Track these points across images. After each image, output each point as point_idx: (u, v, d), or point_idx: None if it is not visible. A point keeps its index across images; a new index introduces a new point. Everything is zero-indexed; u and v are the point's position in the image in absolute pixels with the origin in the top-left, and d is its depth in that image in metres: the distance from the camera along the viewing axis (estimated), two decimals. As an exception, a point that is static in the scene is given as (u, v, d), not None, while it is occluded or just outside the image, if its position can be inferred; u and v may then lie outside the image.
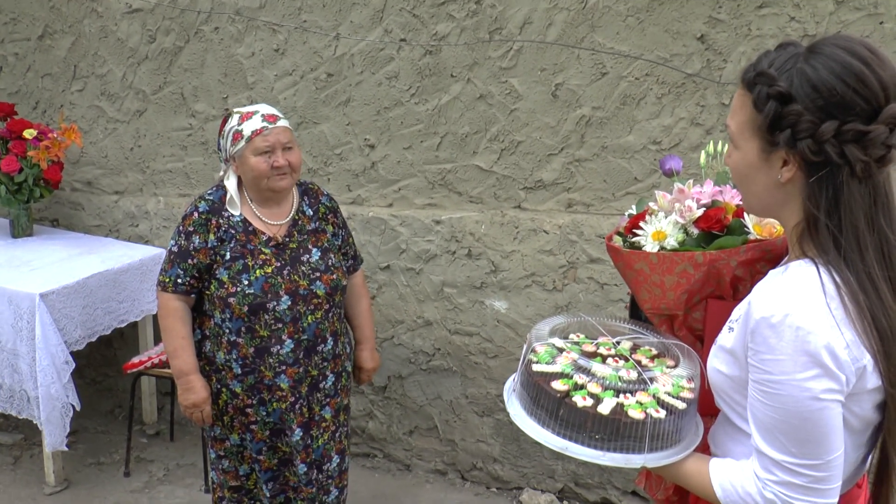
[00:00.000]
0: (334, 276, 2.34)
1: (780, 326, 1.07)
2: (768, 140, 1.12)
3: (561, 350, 1.32)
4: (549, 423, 1.22)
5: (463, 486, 3.26)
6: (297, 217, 2.36)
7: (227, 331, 2.26)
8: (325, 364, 2.35)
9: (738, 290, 1.33)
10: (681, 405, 1.23)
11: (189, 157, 3.54)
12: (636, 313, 1.56)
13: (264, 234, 2.30)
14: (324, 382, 2.36)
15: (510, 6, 2.90)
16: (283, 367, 2.28)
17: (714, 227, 1.36)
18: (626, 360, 1.33)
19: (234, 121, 2.27)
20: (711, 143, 1.56)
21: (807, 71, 1.08)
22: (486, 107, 3.00)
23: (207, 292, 2.28)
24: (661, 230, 1.39)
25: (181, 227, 2.29)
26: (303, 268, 2.30)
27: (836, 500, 1.13)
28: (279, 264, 2.27)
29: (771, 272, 1.18)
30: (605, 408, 1.20)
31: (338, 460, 2.45)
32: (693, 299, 1.35)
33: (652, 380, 1.26)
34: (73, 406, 3.01)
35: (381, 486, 3.26)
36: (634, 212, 1.53)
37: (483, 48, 2.96)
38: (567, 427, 1.20)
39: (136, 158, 3.66)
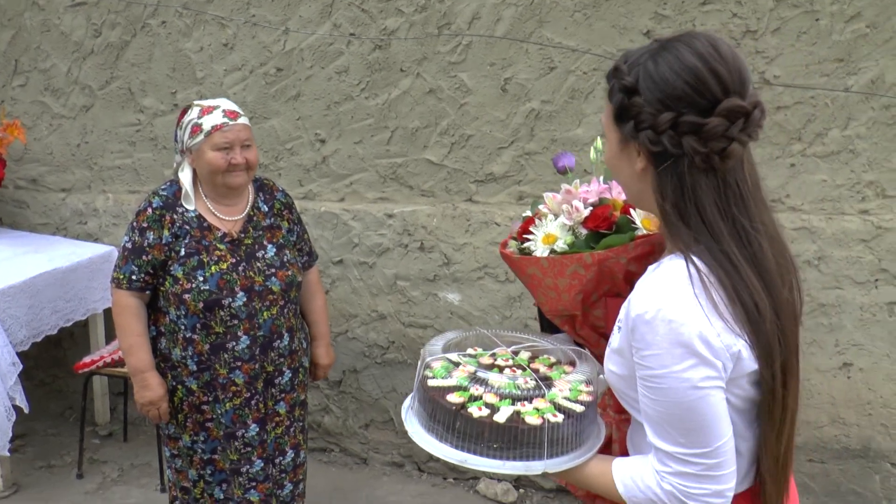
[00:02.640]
0: (290, 273, 2.33)
1: (654, 322, 1.10)
2: (621, 130, 1.18)
3: (457, 364, 1.31)
4: (446, 436, 1.21)
5: (420, 477, 3.29)
6: (252, 213, 2.35)
7: (183, 327, 2.24)
8: (282, 360, 2.35)
9: (633, 283, 1.30)
10: (579, 408, 1.23)
11: (138, 153, 3.49)
12: (547, 320, 1.55)
13: (219, 230, 2.29)
14: (280, 378, 2.36)
15: (459, 1, 2.92)
16: (239, 364, 2.27)
17: (602, 226, 1.37)
18: (524, 369, 1.33)
19: (193, 113, 2.25)
20: (599, 139, 1.53)
21: (650, 67, 1.13)
22: (436, 101, 3.01)
23: (162, 288, 2.26)
24: (551, 233, 1.40)
25: (135, 223, 2.26)
26: (258, 264, 2.29)
27: (733, 484, 1.15)
28: (234, 260, 2.26)
29: (648, 268, 1.19)
30: (501, 416, 1.19)
31: (292, 455, 2.45)
32: (590, 298, 1.35)
33: (549, 386, 1.26)
34: (19, 409, 2.95)
35: (338, 480, 3.27)
36: (530, 213, 1.52)
37: (432, 43, 2.98)
38: (465, 439, 1.19)
39: (83, 155, 3.59)
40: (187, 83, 3.32)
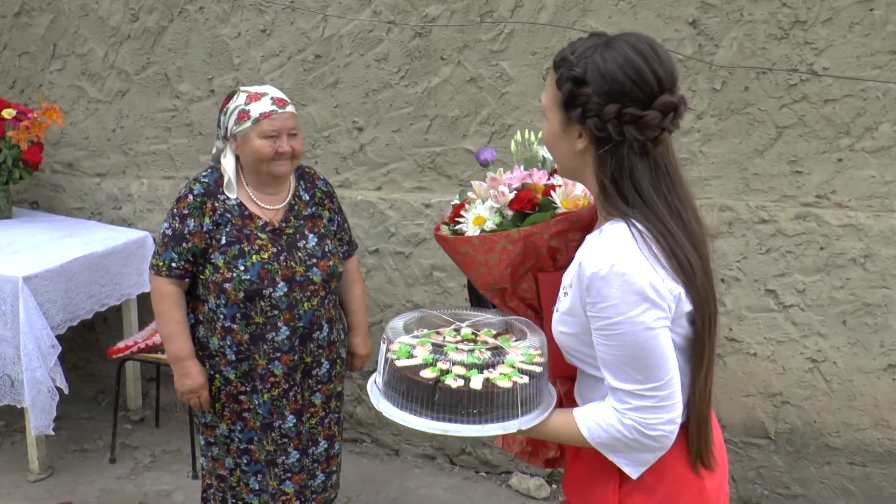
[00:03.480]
0: (331, 263, 2.30)
1: (608, 277, 1.25)
2: (566, 115, 1.32)
3: (413, 346, 1.39)
4: (423, 411, 1.30)
5: (452, 470, 3.26)
6: (293, 202, 2.32)
7: (222, 316, 2.23)
8: (321, 351, 2.33)
9: (556, 259, 1.48)
10: (537, 369, 1.36)
11: (173, 138, 3.48)
12: (477, 296, 1.68)
13: (260, 218, 2.26)
14: (318, 369, 2.34)
15: (502, -12, 2.88)
16: (278, 355, 2.25)
17: (526, 207, 1.52)
18: (474, 342, 1.44)
19: (240, 99, 2.22)
20: (519, 132, 1.71)
21: (597, 61, 1.28)
22: (477, 90, 2.97)
23: (202, 277, 2.24)
24: (480, 216, 1.53)
25: (175, 210, 2.24)
26: (299, 254, 2.26)
27: (680, 412, 1.31)
28: (275, 250, 2.24)
29: (588, 237, 1.35)
30: (476, 384, 1.30)
31: (325, 445, 2.43)
32: (518, 272, 1.49)
33: (503, 354, 1.38)
34: (60, 391, 2.97)
35: (369, 471, 3.25)
36: (458, 201, 1.66)
37: (474, 30, 2.93)
38: (443, 410, 1.28)
39: (119, 140, 3.59)
40: (224, 69, 3.31)
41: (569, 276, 1.36)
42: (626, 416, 1.30)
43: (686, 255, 1.29)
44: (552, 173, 1.61)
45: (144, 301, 3.55)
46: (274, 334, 2.23)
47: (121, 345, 3.16)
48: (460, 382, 1.29)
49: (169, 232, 2.23)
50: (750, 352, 2.89)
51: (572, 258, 1.43)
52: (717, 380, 2.95)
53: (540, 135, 1.70)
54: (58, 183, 3.74)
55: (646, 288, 1.25)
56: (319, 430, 2.39)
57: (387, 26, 3.02)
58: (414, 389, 1.31)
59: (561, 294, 1.38)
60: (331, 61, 3.12)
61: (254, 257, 2.21)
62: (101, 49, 3.50)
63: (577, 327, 1.34)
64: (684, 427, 1.37)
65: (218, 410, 2.32)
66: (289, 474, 2.36)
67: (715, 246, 2.86)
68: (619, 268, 1.25)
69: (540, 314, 1.54)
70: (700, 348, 1.34)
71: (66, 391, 2.98)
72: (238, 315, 2.21)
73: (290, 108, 2.23)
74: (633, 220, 1.29)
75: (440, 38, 2.97)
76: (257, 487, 2.37)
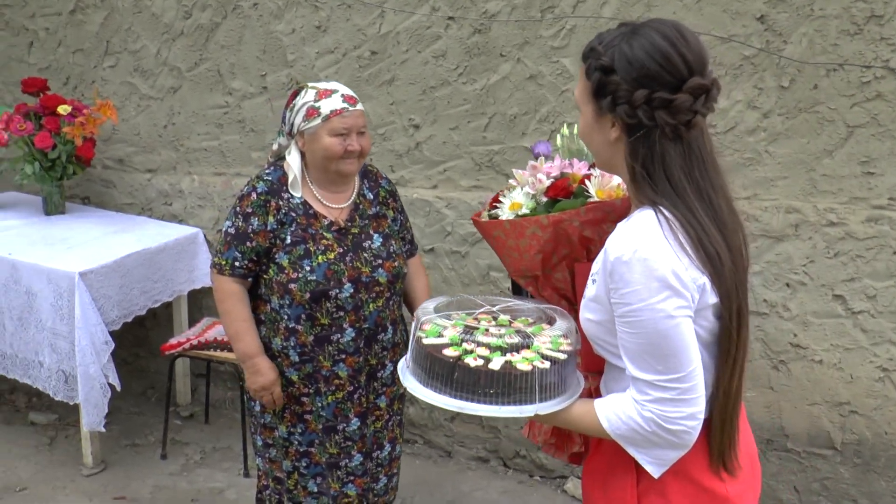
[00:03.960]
0: (396, 264, 2.26)
1: (631, 262, 1.24)
2: (598, 105, 1.32)
3: (445, 326, 1.41)
4: (443, 389, 1.32)
5: (506, 473, 3.22)
6: (358, 201, 2.28)
7: (286, 317, 2.20)
8: (385, 353, 2.29)
9: (590, 250, 1.48)
10: (562, 356, 1.35)
11: (225, 135, 3.46)
12: (517, 286, 1.69)
13: (326, 218, 2.22)
14: (382, 372, 2.30)
15: (564, -17, 2.82)
16: (343, 357, 2.22)
17: (560, 195, 1.53)
18: (507, 327, 1.44)
19: (309, 95, 2.18)
20: (565, 125, 1.73)
21: (625, 49, 1.28)
22: (537, 87, 2.92)
23: (265, 276, 2.21)
24: (516, 201, 1.56)
25: (238, 208, 2.21)
26: (365, 254, 2.22)
27: (703, 408, 1.29)
28: (341, 250, 2.20)
29: (619, 225, 1.34)
30: (495, 365, 1.30)
31: (389, 448, 2.40)
32: (550, 260, 1.50)
33: (531, 339, 1.38)
34: (112, 387, 2.97)
35: (422, 472, 3.22)
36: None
37: (534, 27, 2.88)
38: (462, 388, 1.30)
39: (170, 136, 3.58)
40: (277, 66, 3.28)
41: (597, 264, 1.36)
42: (645, 408, 1.28)
43: (714, 245, 1.28)
44: (592, 165, 1.60)
45: (195, 297, 3.55)
46: (339, 336, 2.20)
47: (173, 341, 3.15)
48: (480, 362, 1.31)
49: (232, 230, 2.20)
50: (815, 359, 2.81)
51: None
52: (781, 387, 2.87)
53: None
54: (109, 179, 3.75)
55: (667, 275, 1.24)
56: (384, 434, 2.35)
57: (445, 22, 2.98)
58: (436, 366, 1.33)
59: (589, 282, 1.38)
60: (387, 58, 3.09)
61: (320, 257, 2.17)
62: (154, 46, 3.49)
63: (603, 315, 1.34)
64: (707, 426, 1.34)
65: (278, 412, 2.29)
66: (351, 477, 2.32)
67: (780, 249, 2.78)
68: (641, 253, 1.25)
69: (574, 305, 1.52)
70: (727, 344, 1.32)
71: (118, 388, 2.98)
72: (303, 316, 2.18)
73: (360, 106, 2.20)
74: (661, 208, 1.29)
75: (500, 34, 2.92)
76: (316, 490, 2.34)
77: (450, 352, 1.34)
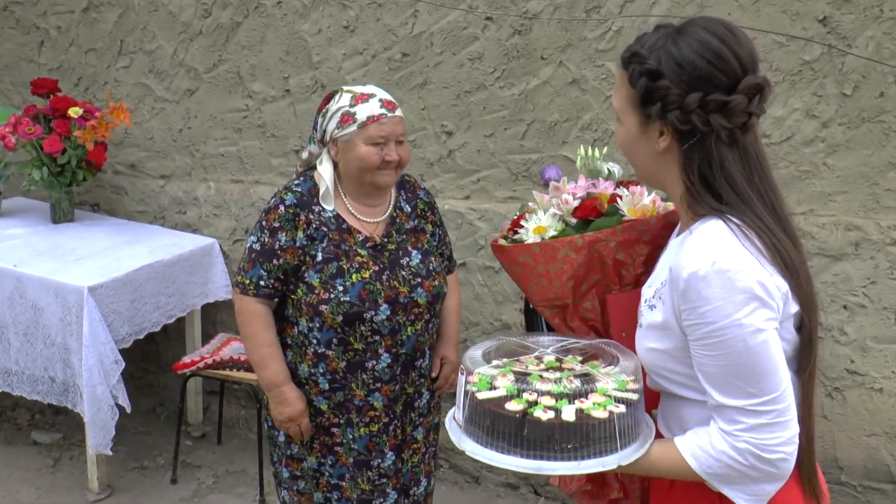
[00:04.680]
0: (436, 283, 2.08)
1: (709, 276, 1.14)
2: (644, 113, 1.23)
3: (494, 376, 1.27)
4: (511, 448, 1.19)
5: (536, 501, 3.03)
6: (394, 214, 2.10)
7: (315, 341, 2.01)
8: (422, 381, 2.10)
9: (622, 275, 1.39)
10: (634, 396, 1.22)
11: (244, 140, 3.29)
12: (532, 321, 1.61)
13: (360, 233, 2.04)
14: (419, 401, 2.12)
15: (612, -18, 2.65)
16: (378, 385, 2.03)
17: (590, 215, 1.44)
18: (560, 370, 1.31)
19: (343, 100, 2.00)
20: (583, 146, 1.65)
21: (672, 50, 1.19)
22: (580, 92, 2.75)
23: (293, 297, 2.02)
24: (541, 225, 1.47)
25: (264, 223, 2.02)
26: (403, 272, 2.04)
27: (798, 429, 1.18)
28: (377, 268, 2.01)
29: (673, 242, 1.27)
30: (568, 415, 1.17)
31: (425, 483, 2.21)
32: (580, 287, 1.40)
33: (593, 381, 1.25)
34: (120, 407, 2.78)
35: (448, 498, 3.03)
36: (518, 214, 1.58)
37: (578, 28, 2.71)
38: (534, 446, 1.17)
39: (185, 141, 3.41)
40: (301, 68, 3.11)
41: (651, 287, 1.28)
42: (739, 439, 1.16)
43: (788, 250, 1.20)
44: (618, 185, 1.54)
45: (209, 311, 3.37)
46: (374, 362, 2.01)
47: (186, 360, 2.97)
48: (550, 414, 1.17)
49: (257, 247, 2.02)
50: (875, 387, 2.63)
51: (639, 274, 1.38)
52: (835, 416, 2.69)
53: (605, 150, 1.66)
54: (120, 184, 3.57)
55: (753, 285, 1.14)
56: (421, 469, 2.16)
57: (483, 22, 2.80)
58: (499, 424, 1.19)
59: (644, 307, 1.29)
60: (419, 60, 2.92)
61: (354, 276, 1.98)
62: (171, 46, 3.33)
63: (670, 342, 1.23)
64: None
65: (306, 443, 2.10)
66: None
67: (837, 268, 2.60)
68: (721, 265, 1.15)
69: (603, 337, 1.43)
70: (808, 356, 1.23)
71: (128, 409, 2.80)
72: (334, 340, 2.00)
73: (399, 112, 2.02)
74: (729, 216, 1.20)
75: (541, 35, 2.75)
76: None
77: (513, 406, 1.19)
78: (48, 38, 3.56)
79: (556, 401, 1.20)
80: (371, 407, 2.04)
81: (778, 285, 1.17)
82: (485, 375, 1.26)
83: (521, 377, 1.25)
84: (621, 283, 1.41)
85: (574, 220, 1.47)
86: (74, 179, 3.25)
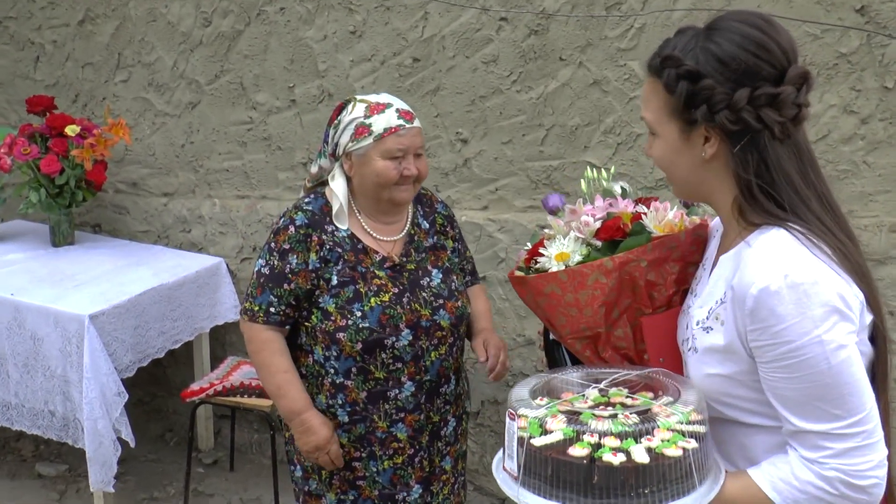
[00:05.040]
0: (459, 304, 1.94)
1: (782, 291, 1.07)
2: (686, 119, 1.16)
3: (543, 418, 1.18)
4: (581, 498, 1.09)
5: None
6: (412, 231, 1.96)
7: (332, 371, 1.87)
8: (448, 408, 1.96)
9: (653, 297, 1.33)
10: (702, 429, 1.14)
11: (249, 154, 3.16)
12: (554, 356, 1.55)
13: (377, 253, 1.90)
14: (445, 429, 1.97)
15: (634, -24, 2.51)
16: (402, 415, 1.89)
17: (616, 235, 1.38)
18: (610, 404, 1.22)
19: (358, 111, 1.86)
20: (588, 168, 1.59)
21: (710, 47, 1.13)
22: (601, 94, 2.60)
23: (307, 324, 1.88)
24: (563, 251, 1.40)
25: (273, 245, 1.89)
26: (424, 294, 1.90)
27: (888, 451, 1.10)
28: (397, 290, 1.87)
29: (726, 257, 1.19)
30: (640, 456, 1.07)
31: None
32: (612, 314, 1.34)
33: (654, 415, 1.16)
34: (124, 442, 2.64)
35: (473, 526, 2.88)
36: (530, 244, 1.52)
37: (598, 26, 2.56)
38: (606, 493, 1.08)
39: (188, 156, 3.28)
40: (307, 76, 2.97)
41: (704, 308, 1.21)
42: (826, 467, 1.09)
43: (857, 256, 1.14)
44: (637, 202, 1.48)
45: (217, 334, 3.23)
46: (397, 391, 1.87)
47: (195, 387, 2.82)
48: (622, 457, 1.08)
49: (266, 271, 1.88)
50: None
51: (671, 294, 1.32)
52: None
53: (612, 169, 1.61)
54: (121, 204, 3.44)
55: (832, 297, 1.07)
56: (451, 500, 2.02)
57: (497, 24, 2.66)
58: (563, 472, 1.09)
59: (698, 331, 1.21)
60: (431, 65, 2.77)
61: (372, 300, 1.84)
62: (170, 57, 3.19)
63: (735, 366, 1.16)
64: None
65: (325, 478, 1.96)
66: None
67: (882, 272, 2.45)
68: (794, 277, 1.07)
69: (636, 366, 1.35)
70: (884, 367, 1.17)
71: (132, 444, 2.65)
72: (354, 370, 1.86)
73: (417, 123, 1.88)
74: (790, 223, 1.13)
75: (559, 35, 2.60)
76: None
77: (577, 451, 1.10)
78: (44, 53, 3.44)
79: (622, 441, 1.11)
80: (395, 438, 1.90)
81: (856, 293, 1.11)
82: (534, 418, 1.16)
83: (573, 416, 1.16)
84: (653, 305, 1.34)
85: (599, 243, 1.40)
86: (74, 200, 3.12)
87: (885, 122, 2.38)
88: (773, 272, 1.09)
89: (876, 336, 1.16)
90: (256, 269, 1.91)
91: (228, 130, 3.17)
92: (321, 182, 2.00)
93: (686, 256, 1.35)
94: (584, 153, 2.66)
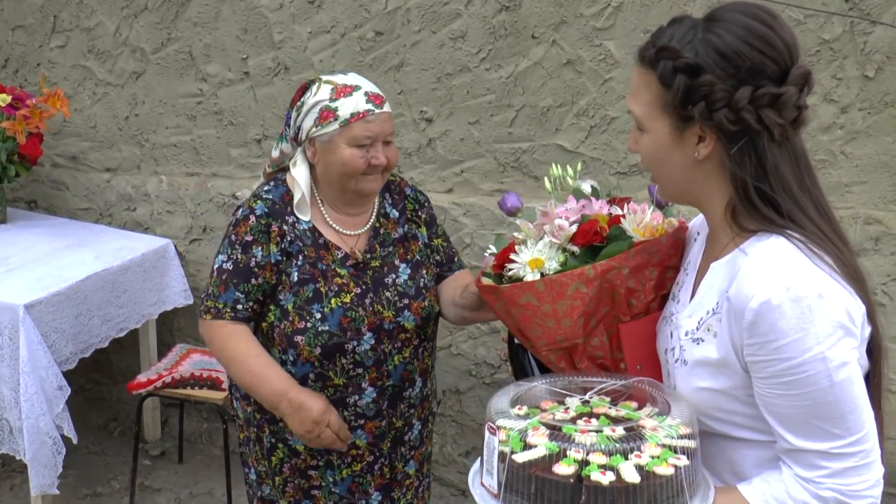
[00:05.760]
0: (426, 303, 1.81)
1: (784, 305, 1.02)
2: (681, 116, 1.10)
3: (524, 430, 1.12)
4: None
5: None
6: (378, 224, 1.83)
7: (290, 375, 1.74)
8: (412, 411, 1.85)
9: (631, 305, 1.29)
10: (692, 444, 1.09)
11: (199, 128, 2.97)
12: (522, 365, 1.50)
13: (339, 248, 1.76)
14: (409, 433, 1.87)
15: (611, -49, 2.39)
16: (362, 422, 1.77)
17: (594, 240, 1.32)
18: (593, 416, 1.16)
19: (323, 92, 1.70)
20: (554, 165, 1.52)
21: (712, 39, 1.07)
22: (575, 75, 2.50)
23: (264, 323, 1.75)
24: (537, 257, 1.32)
25: (234, 237, 1.73)
26: (388, 293, 1.77)
27: (884, 470, 1.08)
28: (359, 291, 1.74)
29: (717, 265, 1.14)
30: (630, 475, 1.02)
31: None
32: (590, 323, 1.29)
33: (641, 429, 1.11)
34: (67, 438, 2.47)
35: (435, 518, 2.80)
36: (495, 250, 1.45)
37: (573, 4, 2.45)
38: None
39: (133, 130, 3.07)
40: (262, 48, 2.79)
41: (693, 318, 1.15)
42: (822, 486, 1.05)
43: (855, 265, 1.10)
44: (611, 202, 1.41)
45: (165, 319, 3.06)
46: (357, 398, 1.75)
47: (142, 378, 2.66)
48: (611, 476, 1.03)
49: (229, 266, 1.72)
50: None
51: (650, 301, 1.28)
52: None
53: (580, 166, 1.55)
54: (59, 179, 3.22)
55: (839, 313, 1.03)
56: (368, 481, 1.89)
57: (466, -3, 2.52)
58: (548, 491, 1.04)
59: (686, 342, 1.16)
60: (395, 39, 2.63)
61: (333, 301, 1.71)
62: (112, 22, 2.97)
63: (728, 380, 1.11)
64: None
65: (278, 485, 1.84)
66: None
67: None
68: (797, 291, 1.02)
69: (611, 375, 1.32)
70: (878, 380, 1.13)
71: (74, 440, 2.48)
72: (311, 376, 1.73)
73: (387, 108, 1.73)
74: (790, 231, 1.08)
75: (531, 12, 2.48)
76: None
77: (563, 469, 1.03)
78: (-31, 13, 3.17)
79: (609, 457, 1.06)
80: (353, 446, 1.79)
81: (859, 307, 1.07)
82: (514, 431, 1.10)
83: (556, 431, 1.10)
84: (631, 312, 1.30)
85: (576, 248, 1.33)
86: (6, 175, 2.89)
87: (865, 111, 2.33)
88: (775, 284, 1.04)
89: (873, 348, 1.12)
90: (217, 265, 1.74)
91: (176, 103, 2.98)
92: (282, 168, 1.84)
93: (664, 261, 1.30)
94: (556, 136, 2.56)
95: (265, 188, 1.78)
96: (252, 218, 1.72)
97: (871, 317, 1.10)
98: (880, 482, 1.07)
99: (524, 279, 1.32)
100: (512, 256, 1.36)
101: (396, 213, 1.86)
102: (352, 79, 1.74)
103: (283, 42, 2.76)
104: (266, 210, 1.73)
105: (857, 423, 1.05)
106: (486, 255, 1.49)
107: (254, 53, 2.81)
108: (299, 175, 1.74)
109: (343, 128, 1.67)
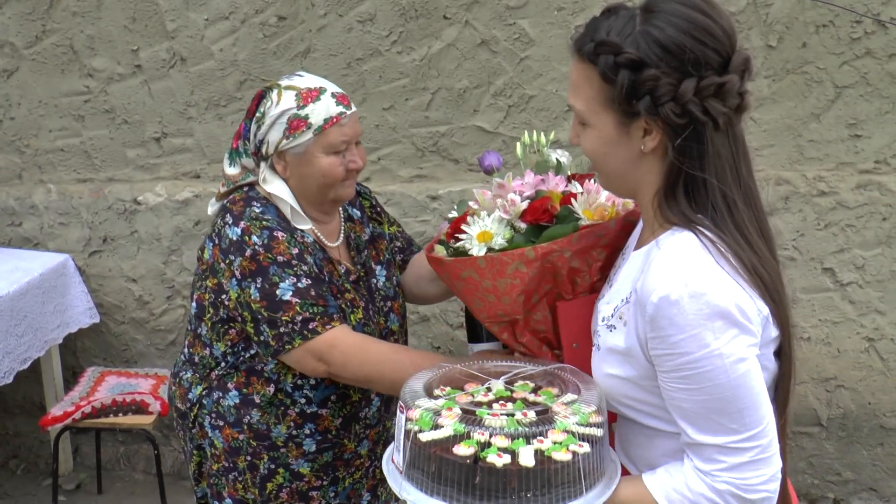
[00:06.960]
0: (401, 301, 1.78)
1: (681, 301, 1.04)
2: (625, 111, 1.09)
3: (437, 411, 1.15)
4: (461, 497, 1.07)
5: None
6: (348, 230, 1.74)
7: (303, 401, 1.64)
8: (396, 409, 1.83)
9: (576, 283, 1.29)
10: (598, 432, 1.11)
11: (88, 130, 2.74)
12: (475, 332, 1.52)
13: (341, 263, 1.68)
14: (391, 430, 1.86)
15: (519, -73, 2.36)
16: (367, 432, 1.75)
17: (542, 219, 1.32)
18: (511, 400, 1.19)
19: (287, 100, 1.56)
20: (526, 133, 1.50)
21: (652, 32, 1.05)
22: (490, 55, 2.48)
23: None
24: (487, 230, 1.33)
25: (281, 258, 1.54)
26: (377, 300, 1.73)
27: (781, 465, 1.10)
28: (363, 304, 1.68)
29: (636, 254, 1.16)
30: (526, 459, 1.05)
31: (368, 497, 1.93)
32: (531, 299, 1.30)
33: (553, 415, 1.13)
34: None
35: None
36: (457, 214, 1.45)
37: (484, -19, 2.41)
38: (487, 495, 1.06)
39: (9, 135, 2.80)
40: (153, 37, 2.60)
41: (610, 305, 1.17)
42: (718, 480, 1.07)
43: (768, 268, 1.10)
44: (570, 179, 1.40)
45: (68, 342, 2.81)
46: (367, 410, 1.72)
47: (56, 412, 2.43)
48: (506, 458, 1.05)
49: (306, 281, 1.53)
50: (804, 336, 2.65)
51: (595, 281, 1.28)
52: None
53: (552, 135, 1.54)
54: (-74, 195, 2.90)
55: (732, 309, 1.03)
56: (363, 484, 1.86)
57: (374, -22, 2.43)
58: (446, 470, 1.07)
59: (601, 328, 1.18)
60: (300, 24, 2.51)
61: (352, 318, 1.64)
62: (-26, 17, 2.68)
63: (633, 370, 1.13)
64: None
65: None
66: None
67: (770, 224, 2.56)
68: (695, 287, 1.03)
69: (556, 350, 1.34)
70: (787, 384, 1.15)
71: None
72: (333, 397, 1.65)
73: (354, 107, 1.63)
74: (701, 228, 1.08)
75: (442, -9, 2.43)
76: None
77: (462, 449, 1.06)
78: None
79: (511, 441, 1.07)
80: (358, 456, 1.77)
81: (759, 308, 1.07)
82: (427, 411, 1.12)
83: (469, 414, 1.12)
84: (575, 291, 1.30)
85: (523, 225, 1.33)
86: None
87: (769, 79, 2.45)
88: (674, 280, 1.05)
89: (781, 352, 1.13)
90: (290, 293, 1.51)
91: (60, 102, 2.73)
92: (239, 187, 1.68)
93: (614, 243, 1.29)
94: (474, 117, 2.53)
95: (257, 210, 1.59)
96: (279, 233, 1.56)
97: (782, 322, 1.11)
98: (777, 477, 1.08)
99: (469, 253, 1.31)
100: (463, 227, 1.34)
101: (358, 213, 1.79)
102: (311, 80, 1.61)
103: (177, 31, 2.57)
104: (279, 226, 1.58)
105: (755, 418, 1.05)
106: (444, 223, 1.47)
107: (145, 44, 2.61)
108: (279, 190, 1.60)
109: (318, 136, 1.56)
